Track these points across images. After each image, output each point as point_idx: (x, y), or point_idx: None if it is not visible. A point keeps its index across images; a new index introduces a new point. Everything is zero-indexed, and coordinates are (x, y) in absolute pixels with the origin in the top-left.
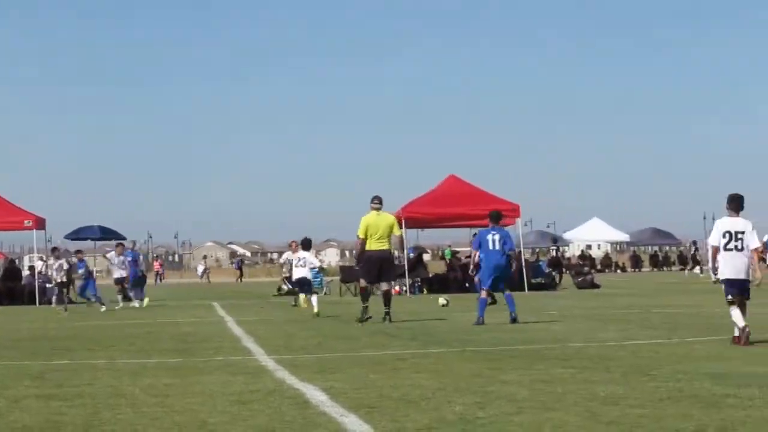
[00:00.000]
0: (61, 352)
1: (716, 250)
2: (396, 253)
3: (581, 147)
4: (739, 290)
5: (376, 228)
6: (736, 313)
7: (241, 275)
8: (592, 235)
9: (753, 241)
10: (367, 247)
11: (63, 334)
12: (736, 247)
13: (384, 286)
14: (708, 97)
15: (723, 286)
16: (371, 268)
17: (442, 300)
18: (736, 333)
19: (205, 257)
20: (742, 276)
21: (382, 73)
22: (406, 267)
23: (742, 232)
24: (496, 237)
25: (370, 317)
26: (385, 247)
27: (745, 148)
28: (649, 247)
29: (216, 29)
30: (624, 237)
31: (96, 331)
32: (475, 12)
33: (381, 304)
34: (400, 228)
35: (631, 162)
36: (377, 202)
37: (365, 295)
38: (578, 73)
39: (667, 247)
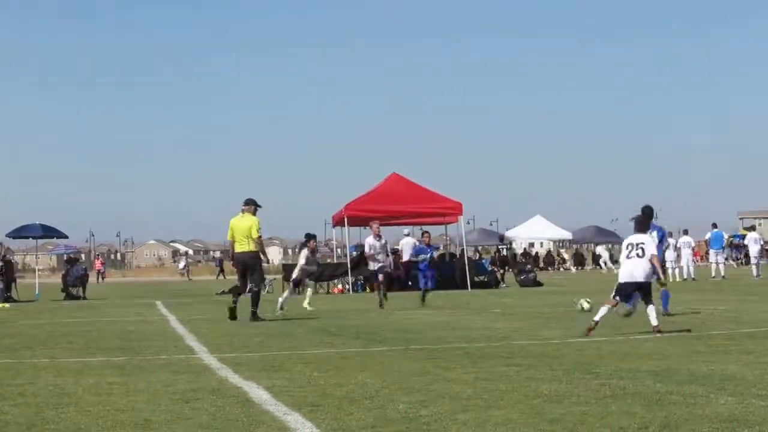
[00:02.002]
0: (1, 350)
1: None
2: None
3: (524, 145)
4: (626, 296)
5: (239, 230)
6: (603, 310)
7: (222, 272)
8: (535, 233)
9: (651, 248)
10: (235, 249)
11: (1, 333)
12: (637, 254)
13: (251, 287)
14: (648, 95)
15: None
16: (237, 270)
17: (583, 304)
18: (596, 319)
19: (186, 254)
20: (639, 279)
21: (324, 72)
22: (349, 265)
23: (643, 243)
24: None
25: (235, 318)
26: (246, 249)
27: (687, 147)
28: (592, 245)
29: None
30: (567, 235)
31: (37, 329)
32: (414, 11)
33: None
34: (343, 225)
35: (574, 160)
36: (244, 204)
37: (234, 290)
38: (518, 70)
39: (610, 246)
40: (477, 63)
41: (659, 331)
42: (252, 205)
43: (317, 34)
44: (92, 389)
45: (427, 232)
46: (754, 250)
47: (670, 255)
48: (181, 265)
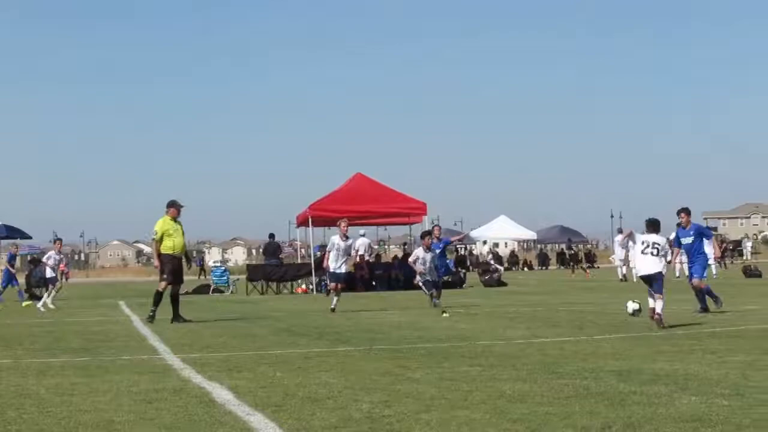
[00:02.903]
0: None
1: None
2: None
3: (488, 145)
4: (650, 283)
5: None
6: (650, 302)
7: (203, 272)
8: (500, 233)
9: (667, 249)
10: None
11: None
12: (651, 252)
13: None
14: (612, 96)
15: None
16: None
17: (630, 306)
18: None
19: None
20: (651, 271)
21: (288, 73)
22: (313, 266)
23: (658, 243)
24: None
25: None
26: None
27: (651, 148)
28: (556, 245)
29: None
30: (531, 235)
31: (0, 329)
32: (378, 10)
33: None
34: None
35: (539, 160)
36: None
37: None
38: (484, 71)
39: (574, 245)
40: (440, 63)
41: (659, 320)
42: (169, 207)
43: (277, 36)
44: (55, 390)
45: (437, 225)
46: (709, 250)
47: (620, 253)
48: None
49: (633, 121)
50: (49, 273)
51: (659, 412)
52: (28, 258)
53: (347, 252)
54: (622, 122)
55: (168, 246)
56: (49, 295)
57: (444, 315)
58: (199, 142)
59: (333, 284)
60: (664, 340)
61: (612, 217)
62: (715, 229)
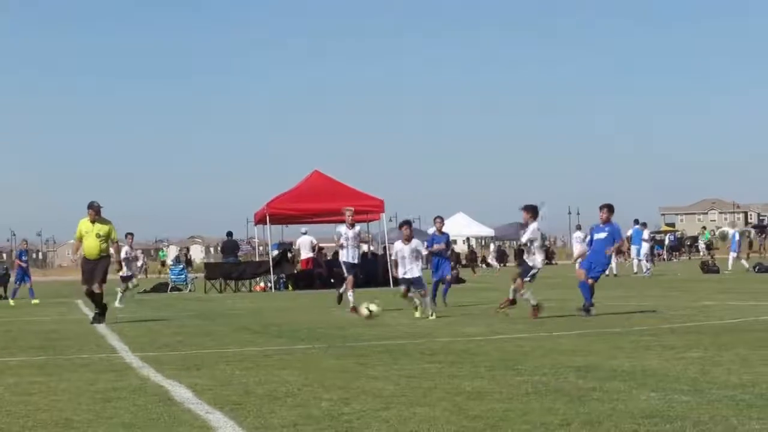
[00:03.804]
0: None
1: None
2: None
3: (445, 142)
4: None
5: None
6: (528, 294)
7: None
8: (457, 230)
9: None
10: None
11: None
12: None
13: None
14: (570, 93)
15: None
16: None
17: (371, 307)
18: (533, 303)
19: (142, 252)
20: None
21: (246, 73)
22: (271, 264)
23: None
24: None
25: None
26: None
27: (610, 144)
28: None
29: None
30: (489, 232)
31: None
32: (334, 11)
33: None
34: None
35: (497, 156)
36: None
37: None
38: (439, 69)
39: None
40: (395, 60)
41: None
42: (87, 208)
43: (232, 36)
44: (13, 389)
45: (439, 217)
46: (645, 247)
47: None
48: (139, 263)
49: (591, 118)
50: (125, 270)
51: (618, 408)
52: None
53: (356, 241)
54: (580, 119)
55: (83, 247)
56: (124, 291)
57: (425, 317)
58: (157, 140)
59: (351, 277)
60: (623, 336)
61: (569, 213)
62: (673, 225)
